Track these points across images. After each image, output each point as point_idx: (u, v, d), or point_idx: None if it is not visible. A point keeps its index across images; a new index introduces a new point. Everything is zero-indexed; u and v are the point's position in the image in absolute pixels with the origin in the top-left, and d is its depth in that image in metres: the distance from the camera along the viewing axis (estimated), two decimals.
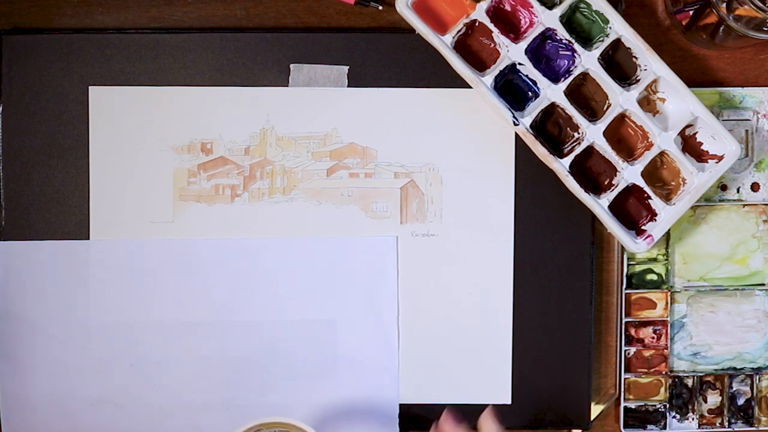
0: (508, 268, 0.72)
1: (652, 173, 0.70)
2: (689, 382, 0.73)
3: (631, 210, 0.70)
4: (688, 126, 0.69)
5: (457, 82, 0.68)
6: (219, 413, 0.71)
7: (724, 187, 0.72)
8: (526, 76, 0.69)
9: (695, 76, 0.72)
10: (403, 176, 0.71)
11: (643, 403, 0.73)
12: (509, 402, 0.72)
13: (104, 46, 0.70)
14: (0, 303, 0.70)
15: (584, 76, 0.68)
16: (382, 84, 0.71)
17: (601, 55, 0.68)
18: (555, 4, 0.68)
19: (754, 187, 0.73)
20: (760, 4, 0.63)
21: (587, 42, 0.69)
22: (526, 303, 0.72)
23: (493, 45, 0.69)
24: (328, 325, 0.71)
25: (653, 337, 0.73)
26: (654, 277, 0.72)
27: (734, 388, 0.74)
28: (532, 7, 0.67)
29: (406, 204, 0.71)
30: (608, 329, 0.73)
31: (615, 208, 0.68)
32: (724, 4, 0.65)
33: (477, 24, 0.68)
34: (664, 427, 0.73)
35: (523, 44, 0.67)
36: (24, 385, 0.71)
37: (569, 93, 0.68)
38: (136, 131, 0.71)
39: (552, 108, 0.69)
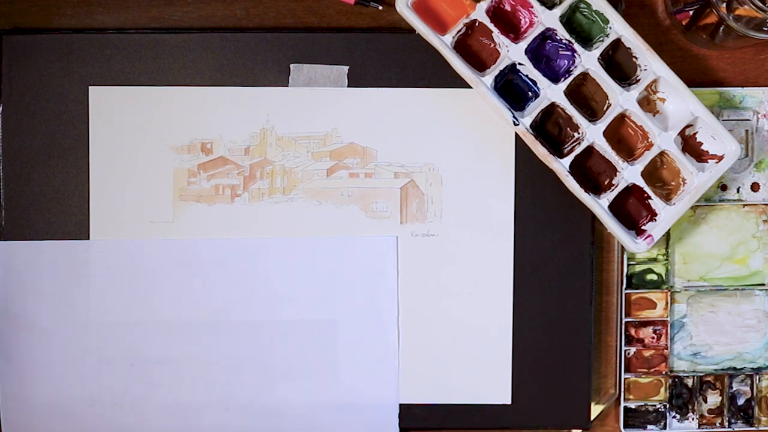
0: (508, 268, 0.72)
1: (652, 173, 0.70)
2: (689, 382, 0.73)
3: (631, 210, 0.70)
4: (688, 126, 0.69)
5: (457, 82, 0.68)
6: (219, 413, 0.71)
7: (724, 187, 0.73)
8: (526, 76, 0.69)
9: (695, 76, 0.72)
10: (403, 176, 0.71)
11: (643, 403, 0.73)
12: (509, 402, 0.72)
13: (104, 46, 0.70)
14: (0, 303, 0.70)
15: (584, 76, 0.69)
16: (382, 84, 0.71)
17: (601, 55, 0.68)
18: (555, 4, 0.68)
19: (754, 187, 0.73)
20: (760, 4, 0.63)
21: (587, 42, 0.69)
22: (526, 303, 0.72)
23: (493, 45, 0.69)
24: (328, 325, 0.71)
25: (653, 337, 0.73)
26: (654, 277, 0.72)
27: (734, 388, 0.74)
28: (532, 7, 0.67)
29: (406, 204, 0.71)
30: (608, 329, 0.73)
31: (615, 208, 0.68)
32: (724, 4, 0.65)
33: (477, 24, 0.68)
34: (664, 427, 0.73)
35: (523, 44, 0.67)
36: (24, 385, 0.71)
37: (569, 93, 0.68)
38: (136, 131, 0.71)
39: (552, 108, 0.69)
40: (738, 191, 0.73)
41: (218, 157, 0.71)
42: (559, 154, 0.68)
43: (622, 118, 0.69)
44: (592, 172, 0.70)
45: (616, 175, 0.69)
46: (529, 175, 0.71)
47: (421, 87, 0.71)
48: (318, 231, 0.71)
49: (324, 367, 0.71)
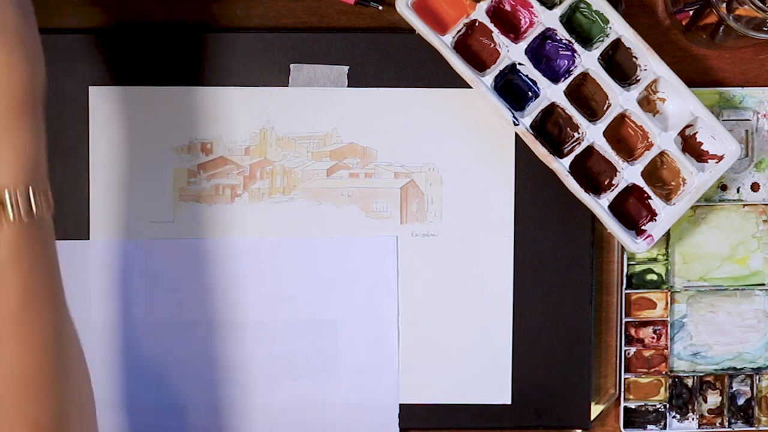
0: (508, 268, 0.72)
1: (652, 173, 0.70)
2: (689, 382, 0.73)
3: (631, 210, 0.70)
4: (688, 126, 0.69)
5: (457, 82, 0.68)
6: (219, 413, 0.71)
7: (724, 187, 0.72)
8: (526, 76, 0.69)
9: (695, 76, 0.72)
10: (403, 176, 0.71)
11: (643, 403, 0.73)
12: (509, 402, 0.72)
13: (104, 46, 0.70)
14: None
15: (584, 76, 0.68)
16: (382, 84, 0.71)
17: (601, 55, 0.68)
18: (555, 4, 0.68)
19: (754, 187, 0.73)
20: (760, 4, 0.63)
21: (587, 42, 0.69)
22: (526, 303, 0.72)
23: (493, 45, 0.69)
24: (328, 325, 0.71)
25: (653, 337, 0.73)
26: (654, 277, 0.72)
27: (734, 388, 0.74)
28: (532, 7, 0.67)
29: (406, 204, 0.71)
30: (608, 329, 0.73)
31: (615, 208, 0.68)
32: (724, 4, 0.65)
33: (477, 24, 0.68)
34: (664, 427, 0.73)
35: (523, 44, 0.67)
36: None
37: (569, 93, 0.68)
38: (136, 131, 0.71)
39: (552, 108, 0.69)
40: (738, 191, 0.73)
41: (218, 157, 0.71)
42: (559, 154, 0.68)
43: (622, 118, 0.69)
44: (592, 172, 0.70)
45: (616, 175, 0.69)
46: (529, 175, 0.71)
47: (421, 87, 0.71)
48: (318, 231, 0.71)
49: (324, 367, 0.71)
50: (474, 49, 0.69)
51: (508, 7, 0.69)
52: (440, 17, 0.68)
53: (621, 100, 0.68)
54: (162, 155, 0.71)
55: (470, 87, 0.68)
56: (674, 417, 0.73)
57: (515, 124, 0.67)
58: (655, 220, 0.69)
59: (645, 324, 0.73)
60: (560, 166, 0.68)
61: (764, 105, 0.72)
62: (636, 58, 0.69)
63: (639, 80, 0.68)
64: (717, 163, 0.68)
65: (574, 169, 0.68)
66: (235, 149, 0.71)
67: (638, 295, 0.72)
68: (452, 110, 0.71)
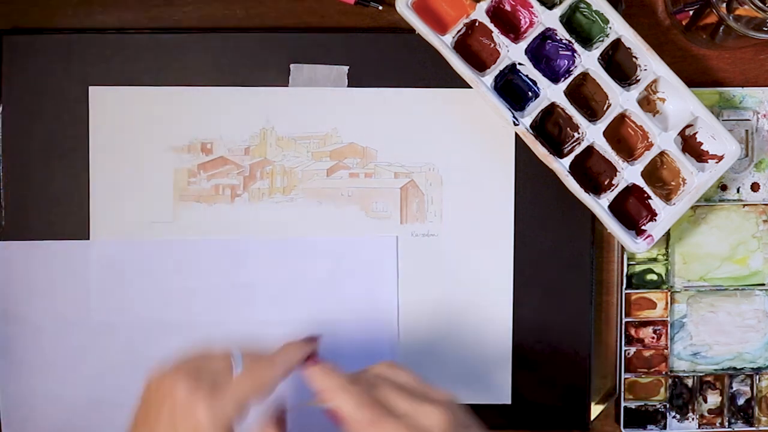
0: (508, 268, 0.72)
1: (652, 173, 0.70)
2: (689, 382, 0.73)
3: (631, 210, 0.70)
4: (688, 126, 0.69)
5: (457, 82, 0.68)
6: None
7: (724, 187, 0.73)
8: (526, 76, 0.69)
9: (695, 76, 0.72)
10: (403, 176, 0.71)
11: (643, 403, 0.73)
12: (509, 402, 0.72)
13: (104, 46, 0.70)
14: (0, 303, 0.70)
15: (584, 76, 0.68)
16: (382, 84, 0.71)
17: (601, 55, 0.68)
18: (555, 4, 0.68)
19: (754, 187, 0.73)
20: (760, 4, 0.63)
21: (587, 42, 0.69)
22: (526, 303, 0.72)
23: (493, 45, 0.69)
24: (328, 325, 0.71)
25: (653, 337, 0.73)
26: (654, 277, 0.72)
27: (734, 388, 0.74)
28: (532, 7, 0.67)
29: (406, 204, 0.71)
30: (608, 329, 0.73)
31: (615, 208, 0.68)
32: (724, 4, 0.65)
33: (477, 24, 0.68)
34: (664, 427, 0.73)
35: (523, 44, 0.67)
36: (24, 385, 0.71)
37: (569, 93, 0.68)
38: (136, 131, 0.71)
39: (552, 108, 0.69)
40: (738, 191, 0.73)
41: (218, 157, 0.71)
42: (559, 154, 0.68)
43: (622, 118, 0.69)
44: (592, 172, 0.70)
45: (616, 175, 0.69)
46: (529, 175, 0.71)
47: (421, 87, 0.71)
48: (318, 231, 0.71)
49: None
50: (474, 49, 0.69)
51: (508, 7, 0.69)
52: (440, 17, 0.68)
53: (621, 100, 0.68)
54: (162, 155, 0.71)
55: (470, 87, 0.68)
56: (674, 417, 0.73)
57: (515, 124, 0.67)
58: (655, 220, 0.69)
59: (645, 324, 0.73)
60: (560, 166, 0.68)
61: (764, 105, 0.72)
62: (636, 58, 0.69)
63: (639, 80, 0.68)
64: (717, 163, 0.68)
65: (574, 169, 0.68)
66: (235, 149, 0.71)
67: (638, 295, 0.72)
68: (452, 110, 0.71)
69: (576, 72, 0.68)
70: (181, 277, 0.71)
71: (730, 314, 0.73)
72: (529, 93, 0.69)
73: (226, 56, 0.70)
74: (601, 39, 0.68)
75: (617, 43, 0.68)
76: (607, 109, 0.69)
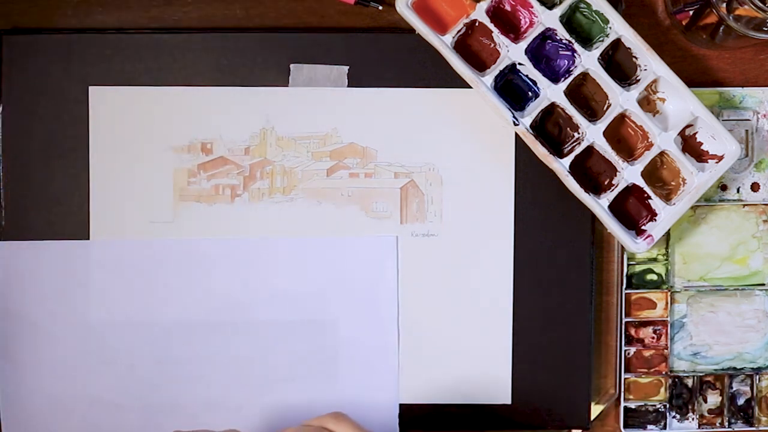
0: (508, 268, 0.72)
1: (652, 173, 0.70)
2: (689, 382, 0.73)
3: (631, 210, 0.70)
4: (688, 126, 0.69)
5: (457, 82, 0.68)
6: (219, 413, 0.71)
7: (724, 187, 0.73)
8: (526, 76, 0.69)
9: (695, 76, 0.72)
10: (403, 176, 0.71)
11: (643, 403, 0.73)
12: (509, 402, 0.72)
13: (104, 46, 0.70)
14: (0, 303, 0.70)
15: (584, 76, 0.69)
16: (382, 84, 0.71)
17: (601, 55, 0.68)
18: (555, 4, 0.68)
19: (754, 187, 0.73)
20: (760, 4, 0.63)
21: (587, 42, 0.69)
22: (526, 303, 0.72)
23: (493, 45, 0.69)
24: (328, 325, 0.71)
25: (653, 337, 0.73)
26: (654, 277, 0.72)
27: (734, 388, 0.74)
28: (532, 7, 0.67)
29: (406, 204, 0.71)
30: (608, 329, 0.73)
31: (615, 208, 0.68)
32: (724, 4, 0.65)
33: (477, 24, 0.68)
34: (664, 427, 0.73)
35: (523, 44, 0.67)
36: (24, 385, 0.71)
37: (569, 93, 0.68)
38: (136, 131, 0.71)
39: (552, 108, 0.69)
40: (738, 191, 0.73)
41: (218, 157, 0.71)
42: (559, 154, 0.68)
43: (622, 118, 0.69)
44: (592, 172, 0.70)
45: (616, 175, 0.69)
46: (529, 175, 0.71)
47: (421, 87, 0.71)
48: (318, 231, 0.71)
49: (324, 367, 0.71)
50: (474, 49, 0.69)
51: (508, 7, 0.69)
52: (440, 17, 0.68)
53: (621, 100, 0.68)
54: (162, 155, 0.71)
55: (470, 87, 0.68)
56: (674, 417, 0.73)
57: (515, 124, 0.67)
58: (655, 220, 0.69)
59: (645, 324, 0.73)
60: (560, 166, 0.68)
61: (764, 105, 0.72)
62: (636, 58, 0.69)
63: (639, 80, 0.68)
64: (717, 163, 0.68)
65: (574, 169, 0.68)
66: (235, 149, 0.71)
67: (638, 295, 0.72)
68: (452, 110, 0.71)
69: (576, 72, 0.68)
70: (180, 277, 0.71)
71: (730, 314, 0.73)
72: (529, 93, 0.69)
73: (226, 56, 0.70)
74: (601, 39, 0.68)
75: (617, 43, 0.68)
76: (607, 109, 0.69)
